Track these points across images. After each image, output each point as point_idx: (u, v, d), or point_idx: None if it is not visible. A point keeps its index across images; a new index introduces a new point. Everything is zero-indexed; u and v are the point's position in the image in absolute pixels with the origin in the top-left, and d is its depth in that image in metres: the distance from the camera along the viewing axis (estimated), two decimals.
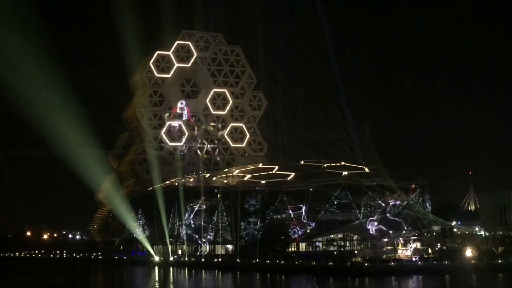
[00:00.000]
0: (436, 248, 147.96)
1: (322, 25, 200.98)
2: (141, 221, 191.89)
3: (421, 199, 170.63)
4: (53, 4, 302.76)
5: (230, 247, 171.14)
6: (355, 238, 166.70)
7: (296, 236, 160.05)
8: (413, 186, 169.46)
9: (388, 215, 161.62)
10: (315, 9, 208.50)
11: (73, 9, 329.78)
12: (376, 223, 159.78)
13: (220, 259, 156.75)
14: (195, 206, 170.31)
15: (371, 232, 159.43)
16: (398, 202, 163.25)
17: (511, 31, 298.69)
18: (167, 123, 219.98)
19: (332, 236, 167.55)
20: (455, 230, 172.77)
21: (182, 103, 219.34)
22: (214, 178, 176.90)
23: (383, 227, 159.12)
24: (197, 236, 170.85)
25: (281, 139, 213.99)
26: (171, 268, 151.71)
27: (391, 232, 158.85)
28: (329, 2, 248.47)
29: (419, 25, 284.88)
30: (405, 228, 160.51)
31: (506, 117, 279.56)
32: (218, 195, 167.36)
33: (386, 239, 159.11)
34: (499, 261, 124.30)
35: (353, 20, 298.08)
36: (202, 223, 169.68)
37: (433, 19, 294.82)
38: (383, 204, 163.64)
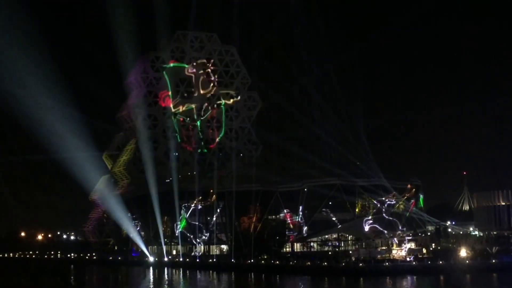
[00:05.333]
0: (431, 248, 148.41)
1: (316, 22, 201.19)
2: (135, 221, 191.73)
3: (412, 200, 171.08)
4: (47, 6, 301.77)
5: (224, 247, 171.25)
6: (349, 238, 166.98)
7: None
8: (409, 186, 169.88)
9: (383, 213, 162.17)
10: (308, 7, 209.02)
11: (67, 9, 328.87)
12: (371, 222, 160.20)
13: (214, 260, 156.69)
14: (190, 207, 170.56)
15: (365, 230, 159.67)
16: (393, 202, 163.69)
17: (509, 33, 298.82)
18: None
19: (326, 236, 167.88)
20: (449, 230, 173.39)
21: None
22: None
23: (377, 226, 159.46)
24: (192, 237, 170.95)
25: (276, 139, 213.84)
26: (165, 269, 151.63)
27: (385, 232, 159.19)
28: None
29: (415, 22, 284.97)
30: (400, 228, 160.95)
31: (501, 117, 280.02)
32: (213, 196, 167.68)
33: (380, 239, 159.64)
34: (493, 261, 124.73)
35: (347, 15, 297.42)
36: (197, 224, 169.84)
37: (430, 16, 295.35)
38: (378, 204, 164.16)
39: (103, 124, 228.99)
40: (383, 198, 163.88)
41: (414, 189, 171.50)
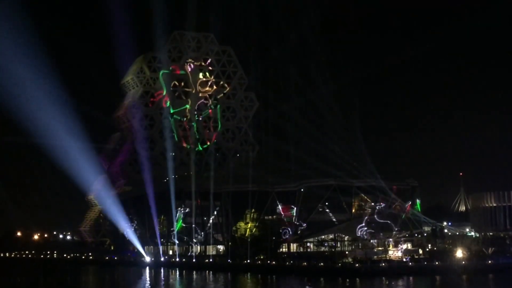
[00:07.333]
0: (427, 249, 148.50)
1: (315, 26, 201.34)
2: (132, 221, 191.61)
3: (409, 202, 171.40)
4: (46, 2, 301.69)
5: (221, 247, 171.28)
6: (346, 239, 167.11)
7: (287, 236, 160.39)
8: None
9: (375, 216, 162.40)
10: (308, 11, 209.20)
11: (66, 7, 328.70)
12: (365, 229, 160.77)
13: (211, 260, 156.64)
14: (186, 207, 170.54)
15: (361, 236, 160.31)
16: (389, 203, 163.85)
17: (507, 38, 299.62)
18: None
19: (323, 236, 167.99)
20: (445, 231, 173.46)
21: None
22: None
23: (372, 231, 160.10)
24: (188, 237, 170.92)
25: (272, 139, 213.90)
26: (162, 269, 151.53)
27: (381, 234, 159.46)
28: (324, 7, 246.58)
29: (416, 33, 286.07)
30: (396, 229, 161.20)
31: (498, 119, 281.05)
32: (210, 196, 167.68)
33: (377, 240, 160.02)
34: (490, 262, 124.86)
35: (347, 20, 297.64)
36: (193, 224, 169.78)
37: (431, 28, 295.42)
38: (373, 204, 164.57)
39: (101, 123, 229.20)
40: (380, 199, 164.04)
41: (410, 191, 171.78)
